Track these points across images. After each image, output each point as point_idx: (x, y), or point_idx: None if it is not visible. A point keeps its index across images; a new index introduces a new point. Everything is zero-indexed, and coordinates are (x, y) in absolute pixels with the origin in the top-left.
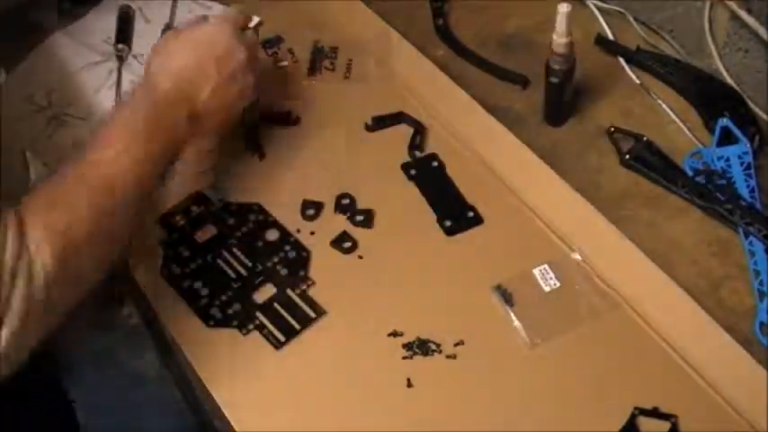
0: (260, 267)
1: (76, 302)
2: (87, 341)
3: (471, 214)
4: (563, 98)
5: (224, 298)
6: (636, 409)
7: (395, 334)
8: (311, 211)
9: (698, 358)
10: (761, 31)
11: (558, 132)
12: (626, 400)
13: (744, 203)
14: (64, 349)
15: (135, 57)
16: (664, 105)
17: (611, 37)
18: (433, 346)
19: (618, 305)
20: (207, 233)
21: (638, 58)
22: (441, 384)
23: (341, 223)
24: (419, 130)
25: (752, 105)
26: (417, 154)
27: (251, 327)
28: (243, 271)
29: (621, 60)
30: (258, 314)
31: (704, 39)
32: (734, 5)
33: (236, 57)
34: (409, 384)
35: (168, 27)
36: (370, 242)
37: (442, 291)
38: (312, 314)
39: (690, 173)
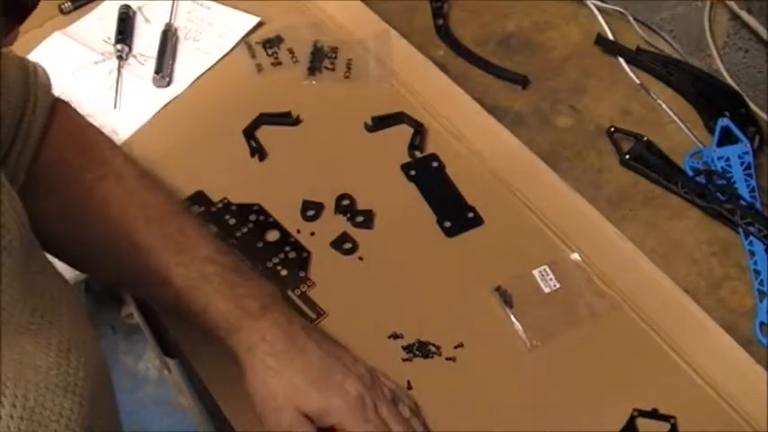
0: (260, 268)
1: None
2: None
3: (471, 215)
4: None
5: None
6: (635, 410)
7: (395, 336)
8: (311, 212)
9: (698, 358)
10: (761, 30)
11: (558, 132)
12: (625, 402)
13: (744, 203)
14: None
15: (135, 57)
16: (664, 105)
17: (611, 37)
18: (433, 349)
19: (618, 305)
20: None
21: (638, 58)
22: (441, 386)
23: (341, 224)
24: (419, 130)
25: (752, 105)
26: (417, 154)
27: None
28: None
29: (621, 60)
30: None
31: (704, 39)
32: (734, 5)
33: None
34: (409, 386)
35: (168, 27)
36: (370, 243)
37: (441, 292)
38: (312, 315)
39: (690, 173)
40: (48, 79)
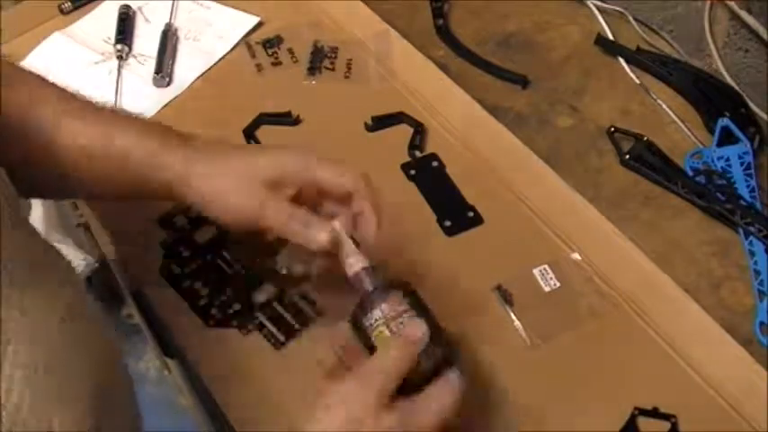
0: (260, 267)
1: None
2: None
3: (471, 214)
4: None
5: (224, 298)
6: (636, 409)
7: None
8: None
9: (698, 358)
10: (761, 31)
11: (558, 132)
12: (626, 400)
13: (744, 203)
14: None
15: (135, 57)
16: (664, 105)
17: (611, 37)
18: None
19: (618, 305)
20: (207, 233)
21: (638, 58)
22: None
23: None
24: (419, 130)
25: (752, 105)
26: (417, 154)
27: (251, 327)
28: (243, 271)
29: (621, 60)
30: (258, 314)
31: (704, 39)
32: (734, 5)
33: None
34: None
35: (168, 27)
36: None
37: (442, 291)
38: (312, 314)
39: (690, 173)
40: None
